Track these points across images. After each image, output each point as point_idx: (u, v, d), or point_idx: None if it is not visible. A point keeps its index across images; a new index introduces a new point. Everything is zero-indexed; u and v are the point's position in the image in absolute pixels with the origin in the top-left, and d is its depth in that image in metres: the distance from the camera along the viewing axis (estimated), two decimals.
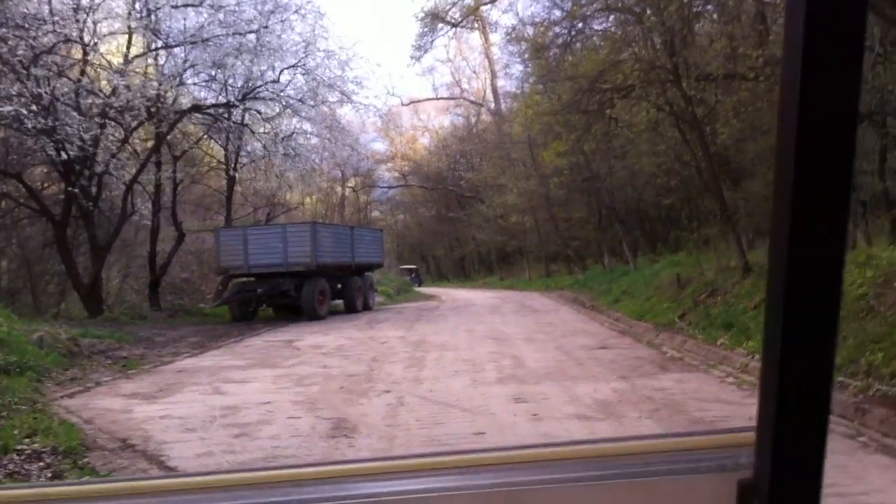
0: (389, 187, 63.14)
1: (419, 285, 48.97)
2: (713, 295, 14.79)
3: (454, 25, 32.03)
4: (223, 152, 27.99)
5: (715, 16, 18.95)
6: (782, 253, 0.87)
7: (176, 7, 21.77)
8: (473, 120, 61.49)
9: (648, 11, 17.95)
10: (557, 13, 25.78)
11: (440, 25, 30.75)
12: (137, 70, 22.38)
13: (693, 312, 14.47)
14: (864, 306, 9.87)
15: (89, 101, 20.35)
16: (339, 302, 25.98)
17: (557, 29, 25.47)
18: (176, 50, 22.95)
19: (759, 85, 13.35)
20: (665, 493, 1.12)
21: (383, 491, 1.16)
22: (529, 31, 29.35)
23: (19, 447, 6.71)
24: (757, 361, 10.08)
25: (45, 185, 23.84)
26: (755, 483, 0.92)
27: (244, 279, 24.00)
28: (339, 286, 25.55)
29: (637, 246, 29.43)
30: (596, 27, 24.42)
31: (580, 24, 23.72)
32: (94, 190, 21.48)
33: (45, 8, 19.55)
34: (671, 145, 21.66)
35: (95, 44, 21.10)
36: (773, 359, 0.88)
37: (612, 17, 23.28)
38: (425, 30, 30.71)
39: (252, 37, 22.71)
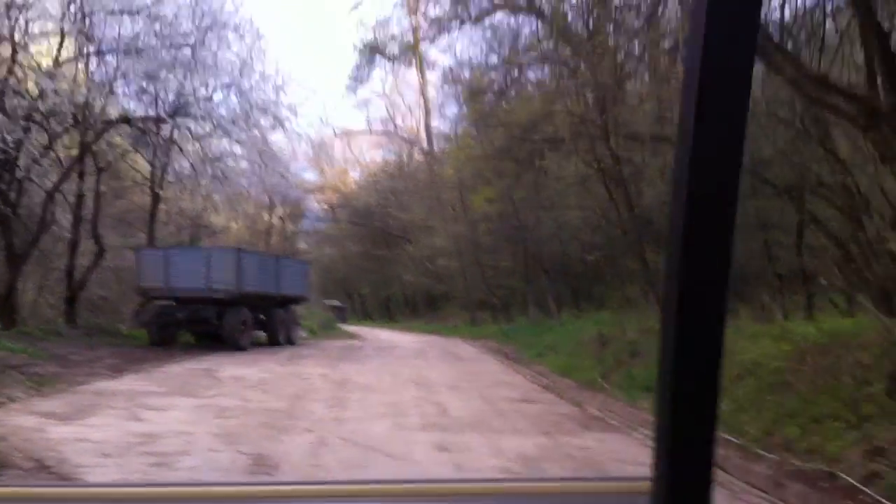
0: (318, 219, 62.76)
1: (343, 322, 48.57)
2: (635, 356, 15.02)
3: (392, 59, 32.22)
4: (149, 168, 27.41)
5: (646, 77, 19.43)
6: (669, 321, 0.93)
7: (111, 13, 21.36)
8: (406, 157, 61.68)
9: (583, 65, 18.33)
10: (494, 59, 26.20)
11: (378, 58, 30.90)
12: (67, 75, 21.80)
13: (615, 372, 14.66)
14: (780, 380, 10.14)
15: (15, 101, 19.76)
16: (262, 333, 25.54)
17: (494, 74, 25.94)
18: (108, 57, 22.48)
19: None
20: None
21: None
22: (466, 73, 29.71)
23: None
24: None
25: None
26: None
27: (165, 302, 23.44)
28: (263, 317, 25.06)
29: (562, 299, 29.75)
30: (531, 76, 24.91)
31: (516, 72, 24.16)
32: (13, 196, 20.80)
33: None
34: (598, 202, 22.04)
35: (26, 43, 20.57)
36: (664, 415, 0.94)
37: (546, 69, 23.77)
38: (362, 61, 30.87)
39: (187, 51, 22.51)
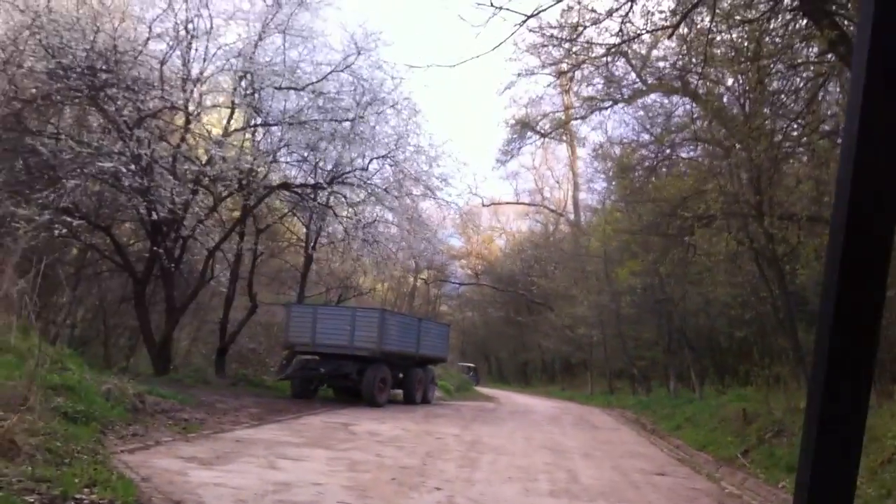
0: (461, 284, 63.39)
1: (476, 383, 48.62)
2: (779, 435, 14.39)
3: (543, 136, 32.40)
4: (304, 230, 28.68)
5: (804, 158, 18.96)
6: (815, 400, 0.96)
7: (279, 88, 22.71)
8: (551, 228, 61.85)
9: (738, 146, 18.05)
10: (645, 136, 26.11)
11: (529, 133, 31.17)
12: (234, 143, 23.22)
13: (756, 450, 14.08)
14: None
15: (185, 167, 21.22)
16: (399, 391, 25.96)
17: (644, 151, 25.81)
18: (273, 128, 23.92)
19: None
20: None
21: None
22: (616, 150, 29.65)
23: (78, 496, 6.83)
24: None
25: (132, 241, 24.68)
26: None
27: (308, 356, 24.20)
28: (401, 375, 25.56)
29: (705, 374, 28.87)
30: (683, 155, 24.66)
31: (667, 150, 23.97)
32: (177, 252, 22.15)
33: (156, 74, 20.63)
34: (748, 279, 21.45)
35: (198, 114, 22.15)
36: (803, 493, 0.97)
37: (699, 148, 23.50)
38: (514, 136, 31.14)
39: (347, 124, 23.41)
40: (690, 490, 11.44)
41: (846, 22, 11.61)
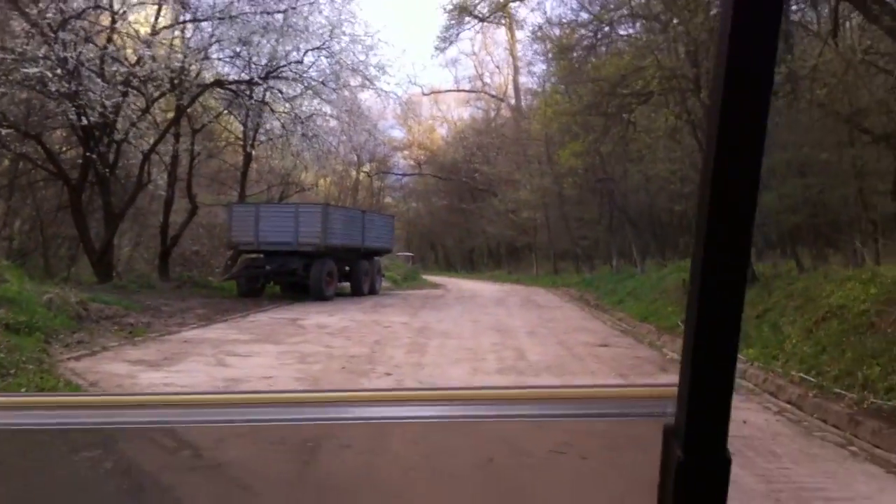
0: (404, 175, 63.12)
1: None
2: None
3: (481, 20, 31.92)
4: (242, 129, 28.12)
5: None
6: (699, 256, 1.02)
7: None
8: (493, 114, 61.41)
9: (675, 20, 17.97)
10: (584, 16, 25.81)
11: (467, 19, 30.64)
12: (164, 41, 22.44)
13: None
14: (865, 322, 9.95)
15: (114, 68, 20.51)
16: (346, 284, 26.13)
17: (583, 31, 25.56)
18: (203, 24, 23.04)
19: (778, 100, 13.39)
20: (602, 432, 1.32)
21: (378, 415, 1.34)
22: (556, 31, 29.33)
23: None
24: (755, 368, 10.18)
25: (64, 148, 23.97)
26: (676, 428, 1.06)
27: (254, 255, 24.16)
28: (347, 269, 25.69)
29: (646, 250, 29.44)
30: (622, 32, 24.48)
31: (606, 28, 23.78)
32: (111, 157, 21.58)
33: None
34: (688, 153, 21.69)
35: (124, 12, 21.22)
36: (690, 333, 1.04)
37: (637, 24, 23.34)
38: (452, 22, 30.64)
39: (279, 16, 22.75)
40: (633, 358, 11.83)
41: None
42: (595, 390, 1.35)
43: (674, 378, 1.09)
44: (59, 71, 18.37)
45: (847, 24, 13.88)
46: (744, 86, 0.96)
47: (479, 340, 13.73)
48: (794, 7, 16.85)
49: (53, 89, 18.46)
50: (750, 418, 7.65)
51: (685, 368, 1.06)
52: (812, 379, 8.83)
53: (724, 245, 0.99)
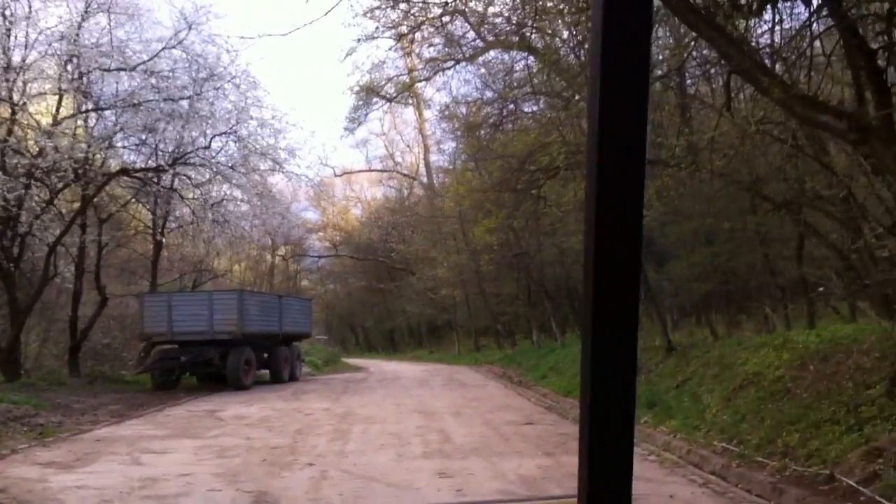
0: (320, 257, 62.83)
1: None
2: (637, 373, 14.95)
3: (389, 100, 32.25)
4: (151, 216, 27.58)
5: None
6: (587, 340, 1.00)
7: (108, 70, 21.61)
8: (406, 193, 61.90)
9: (577, 97, 18.48)
10: (489, 94, 26.38)
11: (375, 99, 30.97)
12: (66, 131, 21.96)
13: None
14: (781, 388, 10.14)
15: (15, 161, 19.93)
16: (265, 372, 25.56)
17: (489, 109, 26.11)
18: (106, 112, 22.70)
19: (681, 171, 13.81)
20: None
21: None
22: (462, 109, 29.86)
23: None
24: (678, 440, 10.22)
25: None
26: None
27: (168, 346, 23.50)
28: (266, 356, 25.14)
29: (565, 322, 29.75)
30: (526, 109, 25.08)
31: (511, 106, 24.34)
32: (15, 251, 20.92)
33: None
34: None
35: (24, 103, 20.81)
36: (584, 445, 1.01)
37: (541, 101, 23.94)
38: (360, 103, 30.89)
39: (185, 103, 22.62)
40: (558, 435, 11.77)
41: None
42: (500, 500, 1.31)
43: (669, 501, 1.05)
44: None
45: (741, 94, 14.43)
46: (618, 161, 0.94)
47: (403, 424, 13.52)
48: (689, 81, 17.54)
49: None
50: (676, 492, 7.63)
51: (582, 473, 1.03)
52: (734, 448, 8.90)
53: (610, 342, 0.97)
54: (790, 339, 12.11)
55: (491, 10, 21.50)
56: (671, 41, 15.83)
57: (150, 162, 23.98)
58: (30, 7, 20.55)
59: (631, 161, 0.97)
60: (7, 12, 19.96)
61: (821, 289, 14.42)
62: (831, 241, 13.70)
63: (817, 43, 10.43)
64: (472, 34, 23.72)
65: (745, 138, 12.29)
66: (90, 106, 22.48)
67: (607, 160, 0.96)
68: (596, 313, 0.98)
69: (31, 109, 21.55)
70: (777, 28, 10.84)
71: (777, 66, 10.73)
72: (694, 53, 14.89)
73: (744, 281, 18.64)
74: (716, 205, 16.39)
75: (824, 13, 9.48)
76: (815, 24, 10.04)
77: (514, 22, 20.49)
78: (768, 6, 9.82)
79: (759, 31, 11.84)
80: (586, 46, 18.19)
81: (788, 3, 10.71)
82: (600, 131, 0.97)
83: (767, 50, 11.20)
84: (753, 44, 11.14)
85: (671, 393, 13.02)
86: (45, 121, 21.78)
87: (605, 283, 0.98)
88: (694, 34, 12.00)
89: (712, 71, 15.82)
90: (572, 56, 19.91)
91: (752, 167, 14.76)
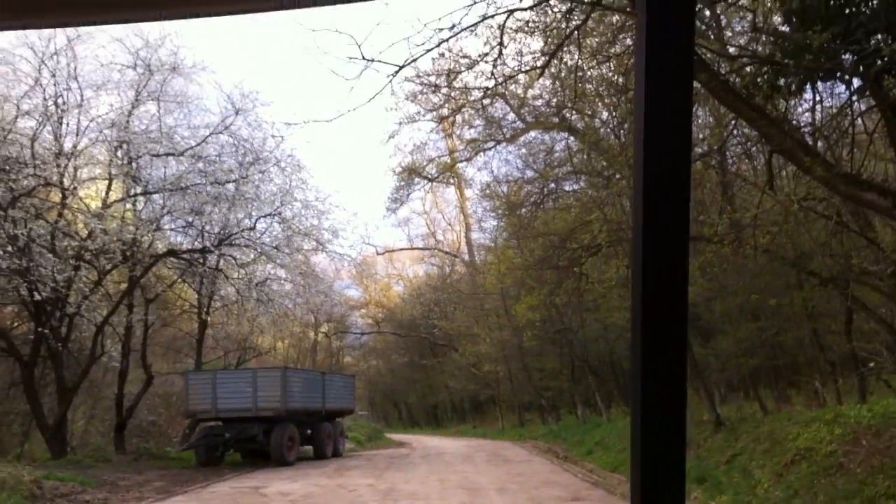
0: (362, 333, 62.90)
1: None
2: (686, 448, 14.72)
3: (430, 180, 32.63)
4: (196, 296, 28.01)
5: None
6: (636, 382, 1.05)
7: (157, 156, 22.31)
8: (448, 270, 62.04)
9: (617, 175, 18.63)
10: (530, 173, 26.65)
11: (416, 180, 31.38)
12: (115, 214, 22.58)
13: None
14: (834, 463, 9.94)
15: (65, 243, 20.46)
16: (309, 448, 25.53)
17: (530, 187, 26.36)
18: (154, 196, 23.41)
19: (724, 248, 13.81)
20: None
21: None
22: (503, 188, 30.17)
23: None
24: None
25: (15, 324, 23.65)
26: None
27: (212, 423, 23.63)
28: (309, 432, 25.17)
29: (610, 397, 29.40)
30: (567, 188, 25.28)
31: (552, 185, 24.55)
32: (63, 331, 21.35)
33: (27, 152, 19.94)
34: None
35: (74, 188, 21.50)
36: (636, 480, 1.05)
37: (582, 180, 24.14)
38: (401, 183, 31.33)
39: (231, 186, 23.20)
40: None
41: (705, 52, 12.17)
42: None
43: None
44: (9, 248, 18.34)
45: (783, 172, 14.47)
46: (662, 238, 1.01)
47: (448, 501, 13.40)
48: (730, 159, 17.60)
49: (4, 266, 18.38)
50: None
51: None
52: None
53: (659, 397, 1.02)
54: (841, 413, 11.89)
55: (531, 92, 21.88)
56: (711, 120, 15.97)
57: (196, 243, 24.49)
58: (81, 95, 21.49)
59: (674, 238, 1.01)
60: (60, 100, 20.84)
61: (871, 364, 14.20)
62: (880, 315, 13.56)
63: (859, 121, 10.51)
64: (512, 116, 24.17)
65: (789, 215, 12.30)
66: (139, 190, 23.19)
67: (651, 237, 1.01)
68: (644, 387, 1.03)
69: (81, 193, 22.27)
70: (818, 107, 10.96)
71: (819, 145, 10.82)
72: (735, 132, 15.04)
73: (792, 356, 18.40)
74: (761, 280, 16.28)
75: (866, 94, 9.55)
76: (856, 104, 10.12)
77: (553, 104, 20.85)
78: (808, 86, 9.92)
79: (800, 108, 11.97)
80: (626, 126, 18.45)
81: (829, 84, 10.80)
82: (644, 208, 1.02)
83: (809, 129, 11.31)
84: (794, 122, 11.26)
85: (721, 468, 12.80)
86: (95, 204, 22.46)
87: (652, 358, 1.01)
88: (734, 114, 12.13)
89: (753, 149, 15.90)
90: (612, 136, 20.13)
91: (797, 243, 14.73)
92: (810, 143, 10.51)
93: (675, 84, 1.06)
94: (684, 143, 1.06)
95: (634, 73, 1.14)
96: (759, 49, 10.77)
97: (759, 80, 9.35)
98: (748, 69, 10.10)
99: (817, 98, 10.59)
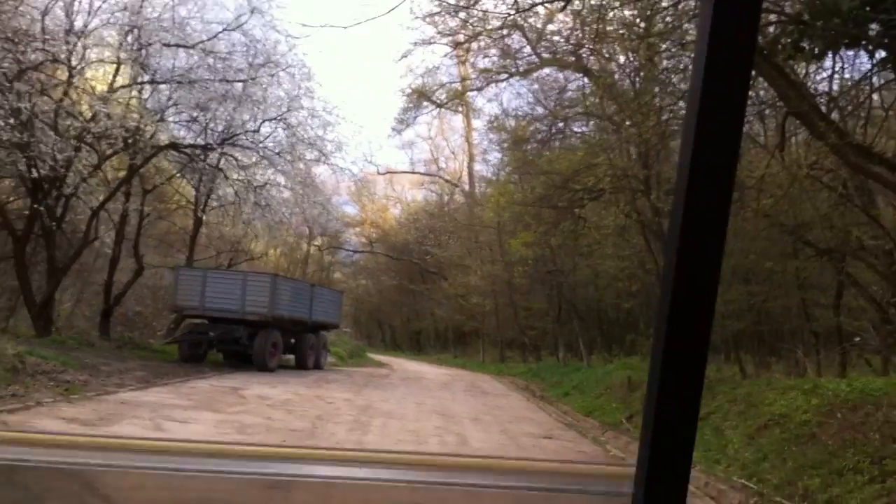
0: (355, 251, 63.10)
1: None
2: None
3: (439, 106, 32.35)
4: (194, 193, 27.91)
5: None
6: (660, 330, 1.04)
7: (167, 45, 21.89)
8: (446, 198, 61.96)
9: (628, 122, 18.45)
10: (540, 110, 26.42)
11: (425, 103, 31.09)
12: (120, 100, 22.31)
13: (640, 415, 14.51)
14: (807, 432, 10.04)
15: (68, 122, 20.24)
16: (291, 357, 25.78)
17: (538, 125, 26.16)
18: (161, 86, 23.08)
19: None
20: None
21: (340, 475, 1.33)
22: (511, 122, 29.93)
23: None
24: (697, 471, 10.16)
25: (11, 199, 23.57)
26: None
27: (198, 321, 23.80)
28: (293, 341, 25.41)
29: (592, 344, 29.62)
30: (575, 129, 25.08)
31: (560, 124, 24.35)
32: (59, 210, 21.28)
33: (38, 26, 19.63)
34: (636, 251, 22.06)
35: (82, 68, 21.21)
36: (649, 419, 1.04)
37: (591, 123, 23.94)
38: (410, 105, 31.05)
39: (239, 85, 22.89)
40: (576, 452, 11.75)
41: None
42: (553, 465, 1.34)
43: (633, 459, 1.08)
44: (11, 120, 18.15)
45: (794, 138, 14.34)
46: (705, 189, 0.99)
47: (422, 423, 13.56)
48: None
49: (4, 138, 18.21)
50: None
51: (643, 449, 1.06)
52: (753, 486, 8.84)
53: (685, 331, 1.01)
54: (820, 385, 11.96)
55: (549, 27, 21.55)
56: None
57: (198, 139, 24.29)
58: None
59: (719, 190, 1.04)
60: None
61: (857, 339, 14.28)
62: (871, 292, 13.58)
63: (875, 95, 10.37)
64: (528, 49, 23.82)
65: (795, 182, 12.22)
66: (146, 78, 22.86)
67: (696, 187, 1.04)
68: (669, 331, 1.03)
69: (87, 75, 21.96)
70: (836, 77, 10.80)
71: (833, 116, 10.69)
72: (750, 93, 14.83)
73: (778, 323, 18.49)
74: (757, 245, 16.26)
75: (888, 66, 9.41)
76: (875, 77, 9.98)
77: (571, 42, 20.53)
78: (829, 53, 9.76)
79: (818, 77, 11.80)
80: (642, 73, 18.20)
81: (851, 54, 10.65)
82: (693, 155, 1.03)
83: (824, 98, 11.16)
84: (812, 89, 11.12)
85: None
86: (101, 87, 22.16)
87: (681, 299, 1.02)
88: (752, 72, 11.96)
89: (767, 111, 15.72)
90: (627, 81, 19.89)
91: (799, 211, 14.67)
92: (825, 111, 10.39)
93: (737, 49, 1.07)
94: (739, 102, 1.08)
95: (697, 32, 1.10)
96: (788, 8, 10.57)
97: (782, 39, 9.21)
98: (772, 28, 9.94)
99: (837, 67, 10.46)
